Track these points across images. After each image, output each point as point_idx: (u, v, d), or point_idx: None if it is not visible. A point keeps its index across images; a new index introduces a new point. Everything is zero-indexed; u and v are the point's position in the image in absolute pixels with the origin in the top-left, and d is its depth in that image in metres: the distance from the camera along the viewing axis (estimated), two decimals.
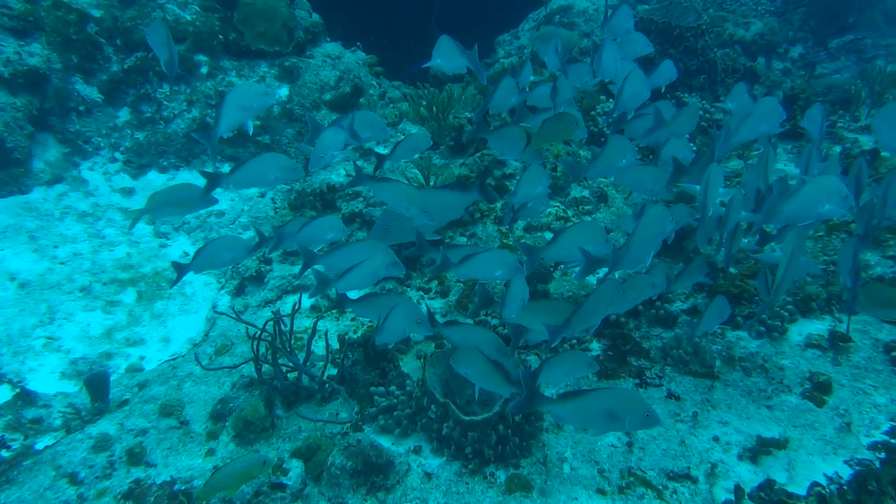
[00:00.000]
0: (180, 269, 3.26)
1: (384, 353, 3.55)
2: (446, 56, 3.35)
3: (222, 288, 5.01)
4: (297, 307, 3.63)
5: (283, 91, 6.51)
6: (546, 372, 2.87)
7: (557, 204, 4.93)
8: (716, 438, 3.42)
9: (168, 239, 5.71)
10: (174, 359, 4.42)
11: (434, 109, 5.40)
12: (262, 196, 5.94)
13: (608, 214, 4.95)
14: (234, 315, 3.57)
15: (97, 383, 3.91)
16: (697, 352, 3.81)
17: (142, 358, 4.64)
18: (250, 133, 3.18)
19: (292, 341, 4.01)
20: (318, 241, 3.22)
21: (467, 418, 3.09)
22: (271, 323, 3.58)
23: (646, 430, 3.44)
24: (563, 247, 3.09)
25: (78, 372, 4.46)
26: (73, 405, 3.89)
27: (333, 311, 4.43)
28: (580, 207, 4.94)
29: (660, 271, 3.29)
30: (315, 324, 3.60)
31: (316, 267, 3.13)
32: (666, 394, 3.68)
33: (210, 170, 5.96)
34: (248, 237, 5.00)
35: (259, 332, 3.39)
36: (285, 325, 3.61)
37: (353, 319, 4.34)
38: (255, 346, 3.36)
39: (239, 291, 4.85)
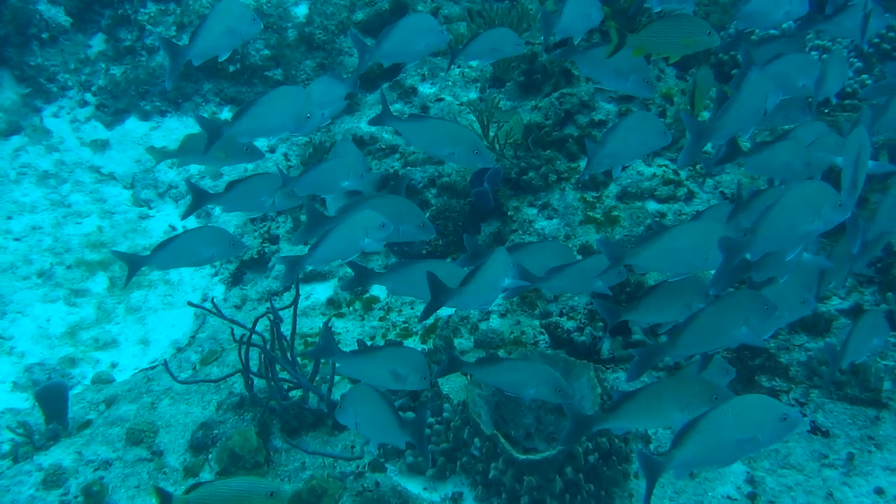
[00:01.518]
0: (133, 262, 3.19)
1: None
2: None
3: (216, 274, 5.13)
4: (296, 298, 3.66)
5: (301, 9, 6.55)
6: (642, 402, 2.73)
7: (666, 162, 4.81)
8: (880, 491, 3.32)
9: (151, 208, 5.88)
10: (153, 367, 4.56)
11: None
12: (273, 151, 6.02)
13: (738, 176, 4.79)
14: (212, 309, 3.62)
15: (52, 398, 4.07)
16: (857, 370, 3.67)
17: (113, 365, 4.82)
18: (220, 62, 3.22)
19: (298, 347, 4.07)
20: (328, 191, 3.21)
21: (523, 457, 3.07)
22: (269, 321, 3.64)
23: (782, 468, 3.38)
24: (665, 253, 2.79)
25: (34, 381, 4.67)
26: (24, 425, 4.06)
27: (357, 306, 4.48)
28: (698, 167, 4.81)
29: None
30: (326, 323, 3.62)
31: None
32: (809, 427, 3.59)
33: (205, 114, 6.08)
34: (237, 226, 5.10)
35: (247, 335, 3.44)
36: (285, 323, 3.66)
37: (382, 319, 4.37)
38: (243, 354, 3.42)
39: (236, 280, 4.96)
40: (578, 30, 3.47)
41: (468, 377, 3.57)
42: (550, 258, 3.41)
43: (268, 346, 3.58)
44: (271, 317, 3.54)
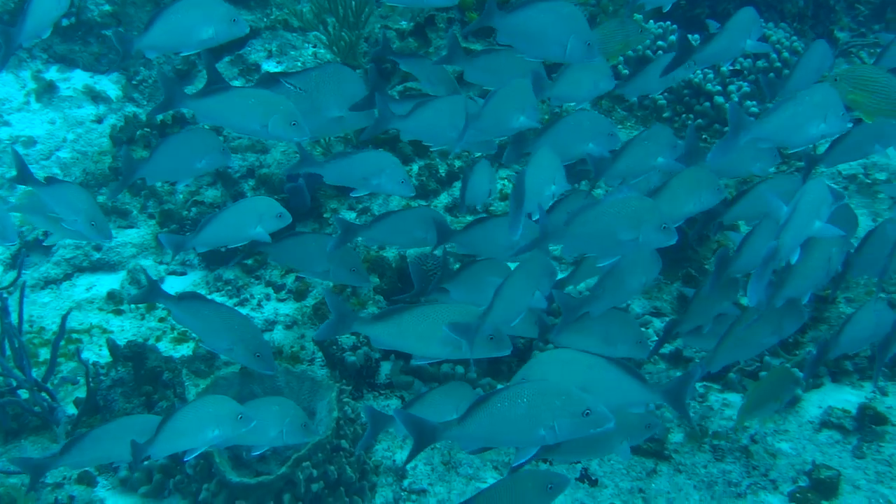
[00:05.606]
0: None
1: (158, 374, 3.82)
2: None
3: None
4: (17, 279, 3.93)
5: None
6: None
7: (511, 173, 5.11)
8: None
9: None
10: None
11: (342, 11, 5.50)
12: (100, 122, 6.21)
13: None
14: None
15: None
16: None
17: None
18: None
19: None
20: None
21: (236, 479, 3.31)
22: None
23: None
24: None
25: None
26: None
27: (141, 306, 4.74)
28: None
29: None
30: (64, 317, 3.86)
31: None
32: (580, 475, 3.81)
33: (27, 72, 6.28)
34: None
35: None
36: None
37: (162, 320, 4.63)
38: None
39: (15, 261, 5.18)
40: None
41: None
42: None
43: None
44: None
